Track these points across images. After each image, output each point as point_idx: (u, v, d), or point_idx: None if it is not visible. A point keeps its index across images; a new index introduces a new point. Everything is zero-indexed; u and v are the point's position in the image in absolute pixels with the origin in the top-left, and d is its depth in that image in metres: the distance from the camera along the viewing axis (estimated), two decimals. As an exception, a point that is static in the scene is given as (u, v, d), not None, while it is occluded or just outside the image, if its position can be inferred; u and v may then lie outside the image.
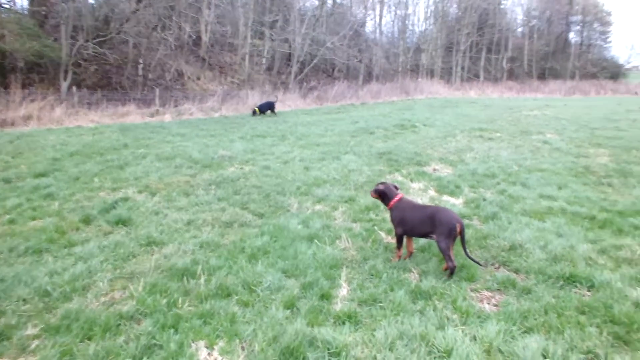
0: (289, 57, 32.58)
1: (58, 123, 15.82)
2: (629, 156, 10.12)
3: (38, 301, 3.69)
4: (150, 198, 6.69)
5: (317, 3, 35.77)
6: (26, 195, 6.75)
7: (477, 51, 48.24)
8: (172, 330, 3.19)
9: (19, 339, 3.16)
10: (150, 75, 24.42)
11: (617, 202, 6.69)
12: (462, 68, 46.90)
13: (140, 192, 7.02)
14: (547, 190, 7.22)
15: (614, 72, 52.84)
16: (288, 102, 24.14)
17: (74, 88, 19.22)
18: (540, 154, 10.46)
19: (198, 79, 27.62)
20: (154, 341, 3.09)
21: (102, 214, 5.92)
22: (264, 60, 31.36)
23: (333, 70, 36.68)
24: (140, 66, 23.86)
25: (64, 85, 19.51)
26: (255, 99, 22.84)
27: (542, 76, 49.81)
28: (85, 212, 5.96)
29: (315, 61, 32.18)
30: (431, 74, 43.38)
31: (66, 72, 19.81)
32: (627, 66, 58.18)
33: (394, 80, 36.55)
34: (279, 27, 31.77)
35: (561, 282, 4.09)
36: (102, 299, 3.75)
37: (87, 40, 20.34)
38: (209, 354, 3.02)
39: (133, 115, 18.33)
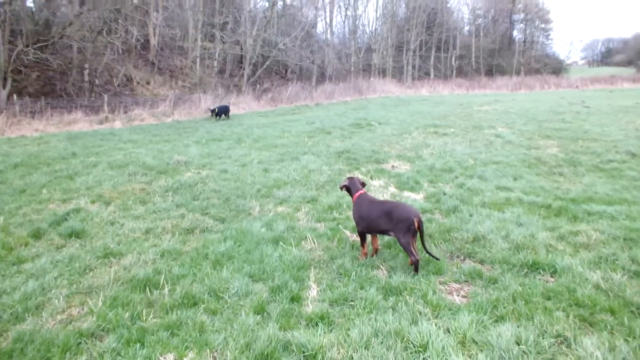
0: (240, 59, 32.22)
1: (-2, 133, 14.98)
2: (576, 146, 10.55)
3: (-13, 324, 3.42)
4: (105, 208, 6.40)
5: (267, 4, 35.58)
6: (-33, 211, 6.32)
7: (427, 50, 49.34)
8: (138, 345, 3.02)
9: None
10: (97, 81, 23.54)
11: (570, 191, 6.94)
12: (413, 67, 47.83)
13: (93, 202, 6.71)
14: (504, 182, 7.41)
15: (556, 68, 55.43)
16: (242, 105, 23.86)
17: (15, 96, 18.24)
18: (494, 147, 10.74)
19: (148, 83, 26.88)
20: (119, 358, 2.92)
21: (53, 227, 5.60)
22: (215, 63, 30.86)
23: (286, 71, 36.58)
24: (86, 72, 22.94)
25: (3, 93, 18.49)
26: (208, 102, 22.45)
27: (489, 73, 51.51)
28: (35, 226, 5.63)
29: (267, 63, 31.98)
30: (383, 73, 44.01)
31: (5, 79, 18.79)
32: (568, 61, 61.28)
33: (347, 80, 36.80)
34: (229, 29, 31.35)
35: (525, 270, 4.18)
36: (59, 317, 3.53)
37: (27, 46, 19.36)
38: (178, 367, 2.88)
39: (80, 123, 17.59)
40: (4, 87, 18.66)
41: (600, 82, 41.20)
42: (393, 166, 8.81)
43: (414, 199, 6.69)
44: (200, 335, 3.18)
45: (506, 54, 55.10)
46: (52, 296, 3.83)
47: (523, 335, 3.03)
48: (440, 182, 7.55)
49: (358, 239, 4.83)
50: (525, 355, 2.87)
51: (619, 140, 11.05)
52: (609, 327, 3.22)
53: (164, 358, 2.94)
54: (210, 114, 19.06)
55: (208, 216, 5.94)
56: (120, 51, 25.62)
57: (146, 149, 11.22)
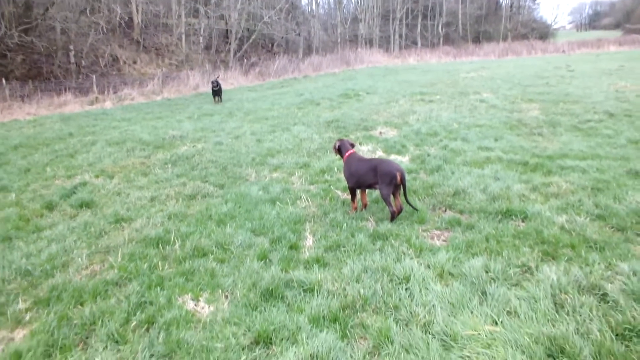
0: (226, 34, 32.10)
1: (-10, 119, 15.13)
2: (557, 109, 10.98)
3: (21, 280, 3.85)
4: (109, 181, 6.78)
5: (250, -23, 35.22)
6: (-22, 190, 6.66)
7: (414, 18, 49.14)
8: (158, 288, 3.47)
9: (12, 313, 3.34)
10: (83, 62, 23.50)
11: (547, 149, 7.40)
12: (400, 36, 47.74)
13: (97, 176, 7.08)
14: (485, 143, 7.85)
15: (543, 33, 55.49)
16: (230, 80, 23.97)
17: (3, 81, 18.30)
18: (478, 111, 11.15)
19: (134, 62, 26.84)
20: (144, 299, 3.37)
21: (63, 199, 5.99)
22: (201, 39, 30.72)
23: (272, 45, 36.48)
24: (72, 53, 22.86)
25: (-11, 78, 18.52)
26: (196, 79, 22.55)
27: (476, 40, 51.52)
28: (46, 200, 6.01)
29: (253, 37, 31.90)
30: (370, 43, 43.93)
31: (-10, 64, 18.79)
32: (555, 26, 61.30)
33: (334, 51, 36.80)
34: (213, 3, 31.12)
35: (499, 217, 4.66)
36: (84, 272, 3.95)
37: (9, 29, 19.27)
38: (195, 304, 3.33)
39: (71, 104, 17.72)
40: (-10, 72, 18.67)
41: (587, 46, 41.37)
42: (381, 132, 9.21)
43: (400, 160, 7.13)
44: (211, 279, 3.63)
45: (493, 19, 55.02)
46: (75, 256, 4.25)
47: (492, 266, 3.52)
48: (425, 145, 7.97)
49: (349, 197, 5.27)
50: (493, 281, 3.35)
51: (598, 102, 11.48)
52: (567, 258, 3.70)
53: (182, 298, 3.39)
54: (212, 91, 16.29)
55: (208, 183, 6.35)
56: (105, 31, 25.45)
57: (140, 126, 11.52)
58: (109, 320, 3.13)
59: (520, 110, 11.13)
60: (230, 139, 9.30)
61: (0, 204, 6.00)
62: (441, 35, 50.46)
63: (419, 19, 49.20)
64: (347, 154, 5.12)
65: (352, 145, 5.29)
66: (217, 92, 16.09)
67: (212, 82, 16.30)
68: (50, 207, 5.79)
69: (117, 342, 2.94)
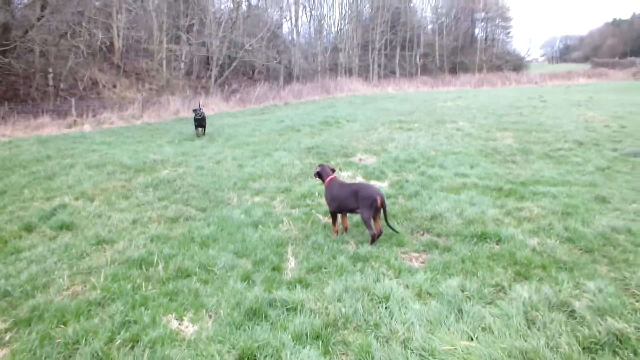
0: (207, 61, 32.39)
1: (-34, 140, 14.90)
2: (529, 137, 11.41)
3: (0, 301, 3.83)
4: (90, 203, 6.77)
5: (231, 6, 35.80)
6: (-47, 212, 6.57)
7: (392, 48, 50.42)
8: (142, 308, 3.51)
9: (-10, 336, 3.33)
10: (62, 85, 23.40)
11: (520, 175, 7.70)
12: (379, 65, 48.80)
13: (77, 198, 7.05)
14: (461, 170, 8.11)
15: (517, 64, 57.47)
16: (211, 106, 24.11)
17: (-21, 102, 18.10)
18: (454, 139, 11.48)
19: (114, 86, 26.81)
20: (128, 318, 3.40)
21: (43, 221, 5.96)
22: (182, 65, 30.97)
23: (253, 72, 36.90)
24: (50, 76, 22.79)
25: (-34, 99, 18.30)
26: (177, 104, 22.64)
27: (453, 70, 53.02)
28: (25, 221, 5.97)
29: (234, 64, 32.27)
30: (350, 72, 44.78)
31: (-33, 85, 18.58)
32: (528, 58, 63.58)
33: (314, 79, 37.40)
34: (195, 30, 31.50)
35: (475, 240, 4.84)
36: (65, 293, 3.95)
37: (-14, 50, 19.18)
38: (179, 324, 3.38)
39: (49, 127, 17.56)
40: (-34, 93, 18.45)
41: (558, 78, 43.04)
42: (360, 159, 9.42)
43: (379, 186, 7.29)
44: (195, 299, 3.68)
45: (469, 51, 56.80)
46: (56, 277, 4.25)
47: (468, 285, 3.67)
48: (403, 172, 8.18)
49: (330, 220, 5.39)
50: (468, 299, 3.49)
51: (568, 131, 11.97)
52: (539, 278, 3.88)
53: (166, 318, 3.43)
54: (194, 123, 13.81)
55: (190, 207, 6.40)
56: (85, 54, 25.47)
57: (121, 149, 11.51)
58: (92, 339, 3.15)
59: (495, 138, 11.51)
60: (211, 163, 9.38)
61: (-23, 226, 5.93)
62: (419, 66, 51.78)
63: (397, 50, 50.49)
64: (328, 179, 5.28)
65: (333, 171, 5.45)
66: (200, 121, 13.45)
67: (196, 112, 13.61)
68: (29, 228, 5.75)
69: (101, 359, 2.96)
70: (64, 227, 5.71)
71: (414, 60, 52.01)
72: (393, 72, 49.35)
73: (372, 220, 4.79)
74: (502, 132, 12.42)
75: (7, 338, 3.30)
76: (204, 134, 13.78)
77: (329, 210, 5.18)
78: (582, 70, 50.03)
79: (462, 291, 3.59)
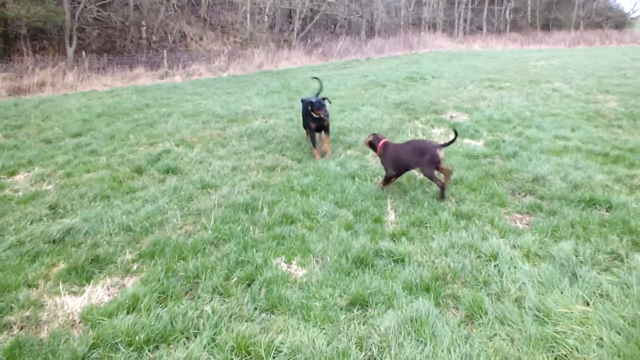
0: (290, 14, 32.31)
1: (72, 88, 16.08)
2: (636, 101, 10.47)
3: (124, 235, 4.19)
4: (190, 150, 7.13)
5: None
6: (71, 153, 7.18)
7: (480, 3, 47.50)
8: (254, 250, 3.70)
9: (121, 263, 3.67)
10: (154, 38, 24.41)
11: (628, 141, 7.13)
12: (465, 20, 46.35)
13: (177, 145, 7.45)
14: (561, 132, 7.64)
15: (619, 22, 52.09)
16: (293, 60, 24.24)
17: (84, 53, 19.33)
18: (551, 100, 10.80)
19: (201, 39, 27.55)
20: (241, 258, 3.61)
21: (150, 165, 6.38)
22: (265, 18, 31.11)
23: (335, 26, 36.39)
24: (143, 29, 23.80)
25: (70, 51, 19.58)
26: (261, 57, 22.94)
27: (546, 27, 49.24)
28: (135, 164, 6.42)
29: (317, 17, 31.96)
30: (433, 27, 42.98)
31: (71, 37, 19.84)
32: (633, 15, 57.24)
33: (397, 34, 36.29)
34: (279, -17, 31.36)
35: (582, 205, 4.58)
36: (179, 232, 4.25)
37: (86, 6, 20.26)
38: (288, 267, 3.54)
39: (143, 77, 18.54)
40: (70, 45, 19.73)
41: (668, 36, 38.83)
42: (451, 116, 9.13)
43: (474, 145, 7.07)
44: (302, 244, 3.83)
45: (564, 6, 52.24)
46: (169, 216, 4.57)
47: (581, 250, 3.52)
48: (498, 131, 7.85)
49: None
50: (582, 264, 3.36)
51: (682, 94, 10.87)
52: (660, 248, 3.64)
53: (276, 260, 3.60)
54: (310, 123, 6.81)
55: (285, 157, 6.57)
56: (174, 8, 26.27)
57: (212, 100, 11.93)
58: (211, 275, 3.38)
59: (596, 101, 10.69)
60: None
61: (94, 166, 6.46)
62: (508, 22, 48.55)
63: (486, 4, 47.50)
64: (381, 143, 5.17)
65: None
66: (320, 123, 6.71)
67: (313, 105, 6.65)
68: (139, 171, 6.18)
69: (221, 294, 3.19)
70: (170, 170, 6.08)
71: (503, 16, 48.78)
72: (480, 28, 46.68)
73: (435, 173, 4.73)
74: (604, 95, 11.49)
75: (134, 268, 3.63)
76: (325, 140, 7.05)
77: (387, 176, 5.07)
78: (699, 27, 44.66)
79: (576, 256, 3.45)
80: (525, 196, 4.97)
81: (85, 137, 8.23)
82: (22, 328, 2.94)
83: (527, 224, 4.26)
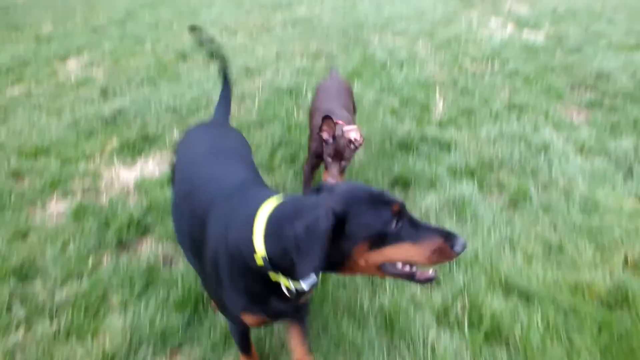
0: None
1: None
2: None
3: (171, 115, 4.26)
4: (234, 37, 6.96)
5: None
6: (117, 41, 7.14)
7: None
8: (297, 131, 3.70)
9: (169, 140, 3.77)
10: None
11: None
12: None
13: (221, 32, 7.27)
14: (637, 27, 6.94)
15: None
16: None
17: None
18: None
19: None
20: (284, 139, 3.63)
21: (194, 51, 6.29)
22: None
23: None
24: None
25: None
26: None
27: None
28: (178, 51, 6.36)
29: None
30: None
31: None
32: None
33: None
34: None
35: (649, 103, 4.25)
36: (224, 113, 4.26)
37: None
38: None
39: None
40: None
41: None
42: (510, 7, 8.42)
43: (534, 38, 6.57)
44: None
45: None
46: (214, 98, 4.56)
47: (641, 147, 3.31)
48: (562, 24, 7.22)
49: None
50: (640, 162, 3.17)
51: None
52: None
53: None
54: None
55: (330, 44, 6.33)
56: None
57: (255, -13, 11.40)
58: (256, 152, 3.42)
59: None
60: (347, 5, 9.00)
61: (139, 52, 6.45)
62: None
63: None
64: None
65: None
66: None
67: None
68: (183, 57, 6.13)
69: (267, 171, 3.25)
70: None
71: None
72: None
73: None
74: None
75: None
76: None
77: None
78: None
79: (635, 153, 3.26)
80: (585, 91, 4.65)
81: (129, 25, 8.15)
82: (84, 194, 3.20)
83: (584, 119, 4.02)
